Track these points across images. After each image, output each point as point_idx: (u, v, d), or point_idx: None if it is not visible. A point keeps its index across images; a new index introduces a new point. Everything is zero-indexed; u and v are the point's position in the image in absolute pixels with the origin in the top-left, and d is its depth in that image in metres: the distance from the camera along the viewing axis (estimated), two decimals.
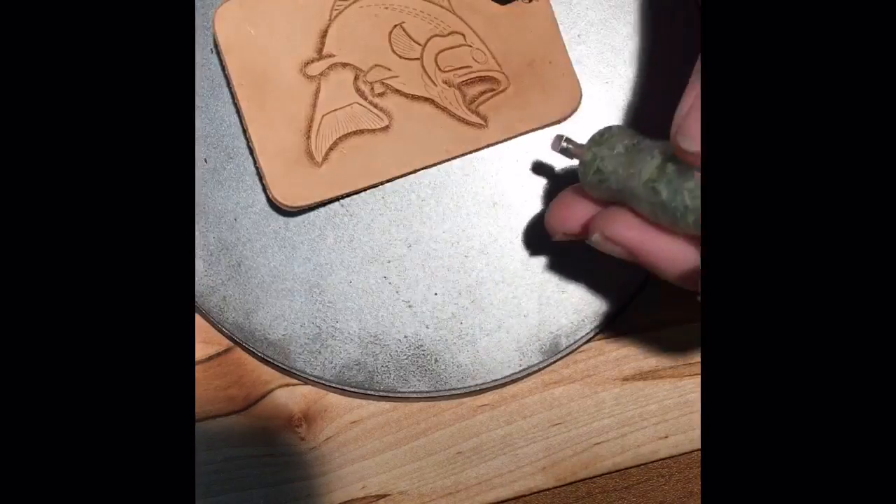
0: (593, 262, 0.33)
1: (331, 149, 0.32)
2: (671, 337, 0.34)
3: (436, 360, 0.33)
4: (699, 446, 0.34)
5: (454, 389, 0.33)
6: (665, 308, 0.34)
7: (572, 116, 0.33)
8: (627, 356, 0.34)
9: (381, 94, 0.32)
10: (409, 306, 0.33)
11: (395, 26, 0.33)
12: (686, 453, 0.35)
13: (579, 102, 0.33)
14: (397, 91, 0.32)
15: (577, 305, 0.33)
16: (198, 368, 0.33)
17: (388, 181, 0.33)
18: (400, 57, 0.32)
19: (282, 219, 0.33)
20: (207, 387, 0.33)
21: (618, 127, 0.28)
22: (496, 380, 0.33)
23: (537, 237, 0.33)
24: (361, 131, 0.32)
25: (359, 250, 0.33)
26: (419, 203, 0.33)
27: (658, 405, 0.34)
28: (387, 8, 0.33)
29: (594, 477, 0.34)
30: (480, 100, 0.33)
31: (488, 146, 0.33)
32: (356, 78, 0.32)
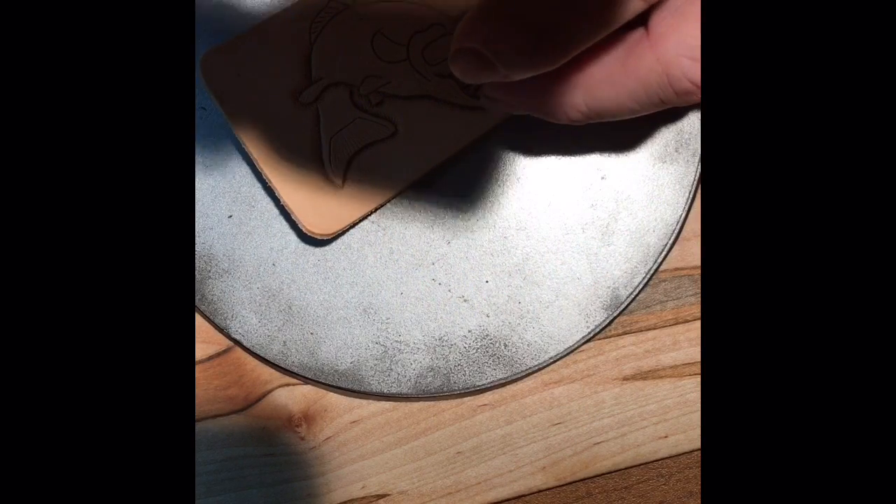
0: (629, 210, 0.33)
1: (347, 169, 0.32)
2: (671, 337, 0.34)
3: (505, 345, 0.33)
4: (699, 446, 0.34)
5: (531, 368, 0.33)
6: (666, 308, 0.34)
7: None
8: (627, 356, 0.34)
9: (379, 103, 0.32)
10: (465, 300, 0.33)
11: (375, 34, 0.33)
12: (686, 453, 0.35)
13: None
14: (394, 96, 0.32)
15: (626, 253, 0.33)
16: (198, 368, 0.33)
17: (410, 185, 0.33)
18: (388, 62, 0.32)
19: (318, 251, 0.33)
20: (207, 387, 0.33)
21: None
22: (569, 347, 0.33)
23: (568, 199, 0.34)
24: (371, 143, 0.32)
25: (401, 261, 0.33)
26: (446, 198, 0.33)
27: (658, 405, 0.34)
28: (362, 19, 0.33)
29: (594, 477, 0.34)
30: None
31: (496, 125, 0.33)
32: (351, 93, 0.32)
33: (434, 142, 0.32)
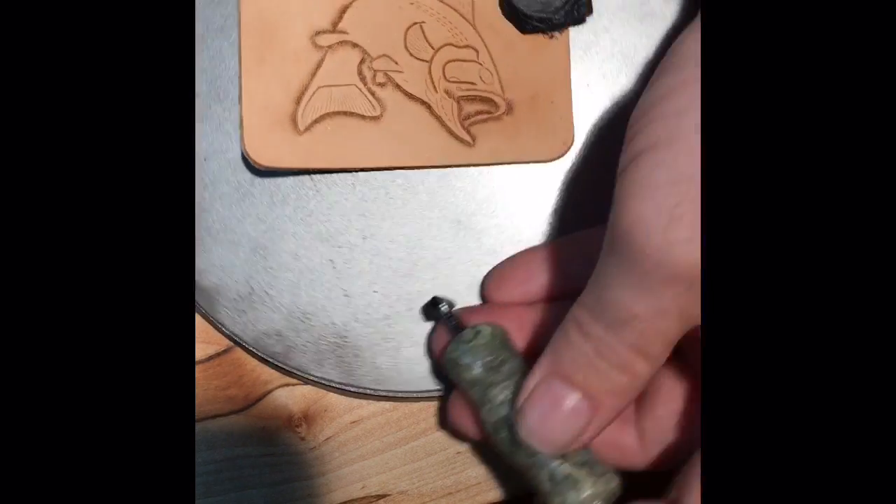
0: None
1: (316, 121, 0.32)
2: None
3: (356, 356, 0.33)
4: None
5: (367, 389, 0.33)
6: None
7: (563, 157, 0.33)
8: None
9: (381, 84, 0.32)
10: (346, 295, 0.33)
11: (415, 24, 0.32)
12: None
13: (569, 149, 0.33)
14: (398, 86, 0.32)
15: None
16: (198, 368, 0.33)
17: (362, 169, 0.33)
18: (410, 55, 0.32)
19: (249, 174, 0.33)
20: (207, 387, 0.33)
21: (488, 333, 0.29)
22: (409, 391, 0.33)
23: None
24: (352, 114, 0.32)
25: (314, 227, 0.33)
26: (386, 200, 0.33)
27: None
28: (412, 3, 0.32)
29: None
30: (475, 119, 0.32)
31: (470, 166, 0.33)
32: (362, 61, 0.32)
33: (407, 147, 0.32)
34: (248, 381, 0.33)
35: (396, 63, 0.32)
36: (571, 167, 0.33)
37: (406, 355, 0.33)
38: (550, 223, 0.33)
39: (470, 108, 0.32)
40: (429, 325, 0.33)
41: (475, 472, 0.34)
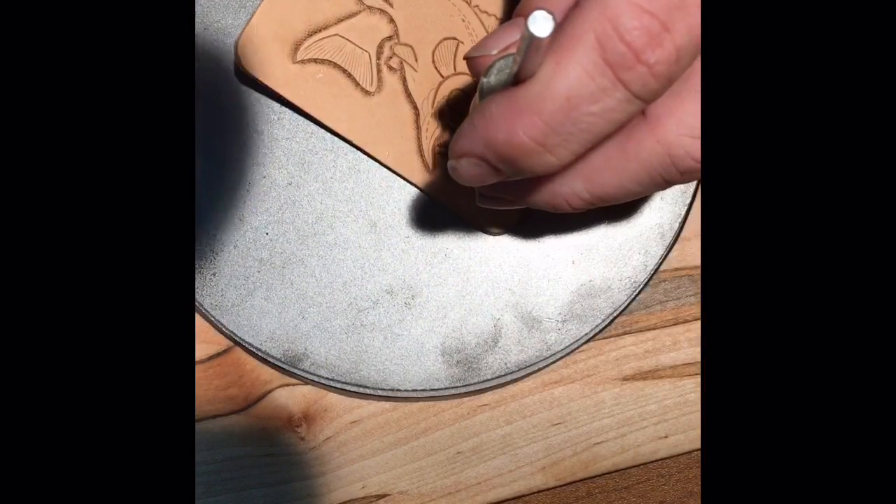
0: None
1: (314, 61, 0.32)
2: (671, 337, 0.34)
3: (213, 275, 0.32)
4: (699, 446, 0.34)
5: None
6: (666, 308, 0.34)
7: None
8: (627, 356, 0.34)
9: (391, 69, 0.32)
10: (239, 220, 0.32)
11: (454, 39, 0.33)
12: (686, 453, 0.35)
13: (499, 234, 0.33)
14: (403, 79, 0.32)
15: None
16: (198, 368, 0.33)
17: (326, 128, 0.32)
18: (432, 61, 0.32)
19: (233, 63, 0.32)
20: (207, 387, 0.33)
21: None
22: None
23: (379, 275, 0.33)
24: (349, 76, 0.32)
25: (254, 148, 0.32)
26: (330, 166, 0.33)
27: (658, 405, 0.34)
28: (464, 21, 0.32)
29: (594, 477, 0.34)
30: (445, 151, 0.33)
31: (413, 186, 0.33)
32: (389, 37, 0.32)
33: (377, 136, 0.32)
34: (248, 381, 0.33)
35: (416, 60, 0.32)
36: None
37: (256, 303, 0.32)
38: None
39: (448, 138, 0.32)
40: (289, 303, 0.33)
41: (475, 472, 0.34)
